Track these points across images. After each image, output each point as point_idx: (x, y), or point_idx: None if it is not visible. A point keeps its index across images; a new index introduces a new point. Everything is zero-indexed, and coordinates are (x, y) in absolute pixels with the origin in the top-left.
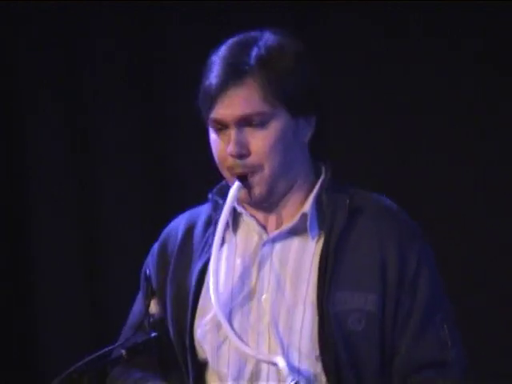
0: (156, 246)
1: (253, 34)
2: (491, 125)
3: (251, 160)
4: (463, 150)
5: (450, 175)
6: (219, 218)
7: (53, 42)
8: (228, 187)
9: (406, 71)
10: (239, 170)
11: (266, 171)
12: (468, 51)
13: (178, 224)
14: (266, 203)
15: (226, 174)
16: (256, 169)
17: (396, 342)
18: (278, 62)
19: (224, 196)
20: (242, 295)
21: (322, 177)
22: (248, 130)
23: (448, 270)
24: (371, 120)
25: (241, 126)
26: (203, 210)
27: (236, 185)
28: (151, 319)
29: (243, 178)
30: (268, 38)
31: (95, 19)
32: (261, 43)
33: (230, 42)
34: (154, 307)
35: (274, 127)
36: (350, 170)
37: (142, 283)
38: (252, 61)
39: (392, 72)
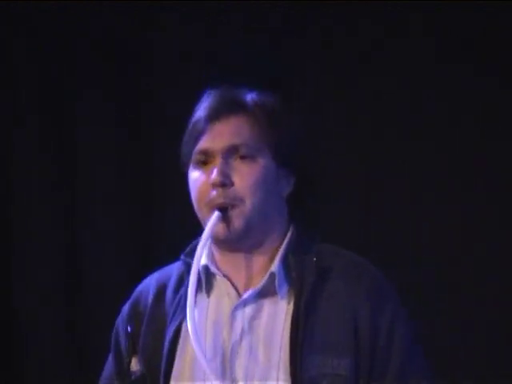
0: (127, 308)
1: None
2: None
3: (233, 191)
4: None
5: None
6: (185, 277)
7: (43, 81)
8: (195, 247)
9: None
10: (220, 201)
11: (247, 205)
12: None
13: (149, 285)
14: (240, 243)
15: (204, 211)
16: (237, 201)
17: None
18: (269, 109)
19: (191, 256)
20: (215, 360)
21: (289, 234)
22: (233, 162)
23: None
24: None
25: (227, 156)
26: (173, 271)
27: (215, 215)
28: (133, 377)
29: (223, 210)
30: (259, 92)
31: (83, 61)
32: (253, 92)
33: (220, 89)
34: (134, 365)
35: (259, 164)
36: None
37: (113, 344)
38: (246, 98)
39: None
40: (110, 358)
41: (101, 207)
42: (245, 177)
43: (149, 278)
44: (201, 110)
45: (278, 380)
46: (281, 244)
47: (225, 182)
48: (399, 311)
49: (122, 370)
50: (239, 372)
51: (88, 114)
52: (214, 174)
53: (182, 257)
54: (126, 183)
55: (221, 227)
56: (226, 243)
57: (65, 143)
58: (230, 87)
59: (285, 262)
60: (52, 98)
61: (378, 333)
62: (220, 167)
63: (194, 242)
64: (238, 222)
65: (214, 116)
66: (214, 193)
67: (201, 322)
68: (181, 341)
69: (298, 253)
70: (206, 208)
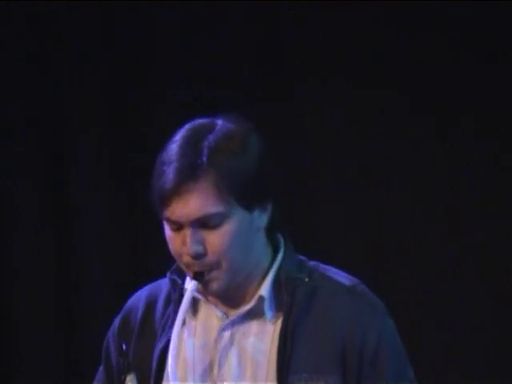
0: (117, 321)
1: (202, 125)
2: None
3: (208, 259)
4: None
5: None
6: (177, 297)
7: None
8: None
9: None
10: (196, 269)
11: (224, 268)
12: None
13: (139, 299)
14: (225, 294)
15: (182, 266)
16: (213, 266)
17: None
18: (229, 159)
19: (182, 275)
20: (204, 381)
21: (281, 254)
22: (203, 231)
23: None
24: None
25: (196, 226)
26: (163, 286)
27: (192, 285)
28: None
29: (200, 274)
30: (220, 131)
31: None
32: (213, 138)
33: (181, 136)
34: (129, 383)
35: (230, 225)
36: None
37: (104, 356)
38: (203, 159)
39: None
40: (101, 369)
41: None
42: (218, 244)
43: (139, 292)
44: (162, 179)
45: None
46: (270, 267)
47: (198, 253)
48: (387, 326)
49: (112, 382)
50: None
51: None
52: (187, 247)
53: (168, 274)
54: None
55: (200, 288)
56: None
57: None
58: (185, 144)
59: (275, 284)
60: None
61: (366, 348)
62: (191, 240)
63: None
64: (216, 283)
65: (177, 188)
66: (190, 260)
67: (188, 342)
68: (167, 360)
69: (289, 272)
70: (184, 266)
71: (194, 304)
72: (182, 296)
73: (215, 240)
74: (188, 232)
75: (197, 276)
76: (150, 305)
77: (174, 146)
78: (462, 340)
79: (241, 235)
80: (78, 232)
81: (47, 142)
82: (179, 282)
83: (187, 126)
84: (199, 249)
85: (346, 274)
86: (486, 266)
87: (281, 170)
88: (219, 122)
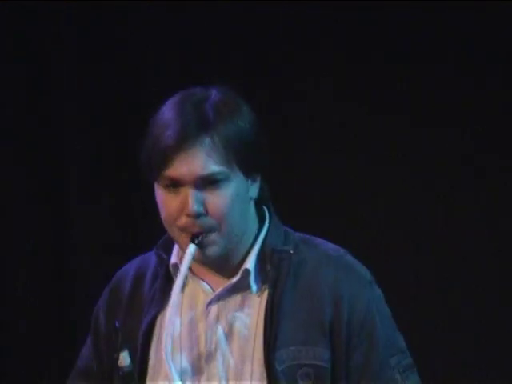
0: (106, 293)
1: (198, 90)
2: None
3: (208, 220)
4: None
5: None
6: (163, 272)
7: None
8: (172, 241)
9: None
10: (195, 230)
11: (223, 231)
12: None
13: (128, 271)
14: (217, 262)
15: (175, 232)
16: (212, 229)
17: None
18: (233, 122)
19: (168, 250)
20: (191, 356)
21: (266, 226)
22: (206, 190)
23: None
24: None
25: (198, 185)
26: (151, 261)
27: (191, 248)
28: (121, 373)
29: (196, 237)
30: (217, 96)
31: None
32: (213, 101)
33: (179, 99)
34: (123, 360)
35: (230, 188)
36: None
37: (93, 327)
38: (210, 117)
39: None
40: (89, 342)
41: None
42: (219, 205)
43: (128, 265)
44: (165, 134)
45: (252, 372)
46: (256, 240)
47: (200, 213)
48: (375, 295)
49: (100, 353)
50: (215, 366)
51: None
52: (190, 206)
53: (155, 250)
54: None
55: (196, 253)
56: (202, 263)
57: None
58: (188, 102)
59: (260, 257)
60: None
61: (354, 320)
62: (193, 198)
63: (166, 235)
64: (213, 249)
65: (182, 144)
66: (188, 221)
67: (176, 317)
68: (155, 335)
69: (275, 245)
70: (178, 231)
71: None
72: (168, 272)
73: (216, 201)
74: (190, 191)
75: (194, 238)
76: (138, 279)
77: (173, 107)
78: (461, 339)
79: (239, 200)
80: (78, 232)
81: (47, 141)
82: (165, 257)
83: (182, 92)
84: (200, 209)
85: (332, 245)
86: (486, 265)
87: (269, 147)
88: (213, 90)
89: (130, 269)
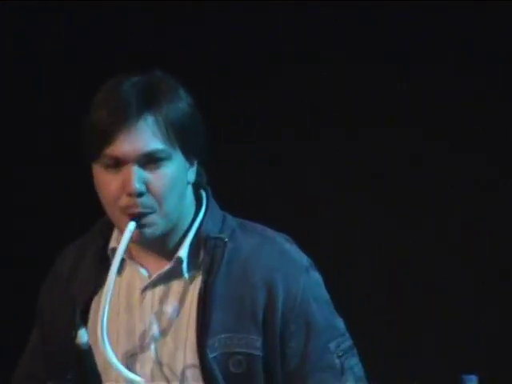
0: (49, 276)
1: (138, 73)
2: None
3: (149, 199)
4: None
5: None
6: (101, 255)
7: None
8: (107, 224)
9: None
10: (136, 210)
11: (162, 212)
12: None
13: (70, 252)
14: (155, 243)
15: (115, 214)
16: (152, 209)
17: (289, 376)
18: (175, 102)
19: (103, 234)
20: (128, 341)
21: (203, 211)
22: (147, 169)
23: None
24: None
25: (141, 163)
26: (89, 243)
27: (131, 225)
28: (77, 350)
29: (137, 218)
30: (158, 78)
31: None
32: (154, 82)
33: (118, 80)
34: (80, 338)
35: (171, 168)
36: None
37: (38, 310)
38: (153, 95)
39: None
40: (35, 329)
41: None
42: (160, 184)
43: (72, 245)
44: (107, 111)
45: (185, 360)
46: (192, 225)
47: (142, 191)
48: (312, 281)
49: (48, 337)
50: (149, 352)
51: None
52: (131, 184)
53: (92, 233)
54: None
55: (135, 233)
56: (139, 244)
57: None
58: (130, 83)
59: (194, 244)
60: None
61: (290, 306)
62: (136, 176)
63: (102, 219)
64: (151, 229)
65: (125, 121)
66: (129, 200)
67: (113, 302)
68: (90, 318)
69: (209, 233)
70: (119, 212)
71: (120, 262)
72: (105, 254)
73: (157, 180)
74: (132, 169)
75: (134, 217)
76: (78, 259)
77: (113, 87)
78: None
79: (178, 181)
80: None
81: (47, 141)
82: (101, 242)
83: (119, 75)
84: (142, 187)
85: (273, 232)
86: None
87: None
88: (153, 72)
89: (71, 250)
